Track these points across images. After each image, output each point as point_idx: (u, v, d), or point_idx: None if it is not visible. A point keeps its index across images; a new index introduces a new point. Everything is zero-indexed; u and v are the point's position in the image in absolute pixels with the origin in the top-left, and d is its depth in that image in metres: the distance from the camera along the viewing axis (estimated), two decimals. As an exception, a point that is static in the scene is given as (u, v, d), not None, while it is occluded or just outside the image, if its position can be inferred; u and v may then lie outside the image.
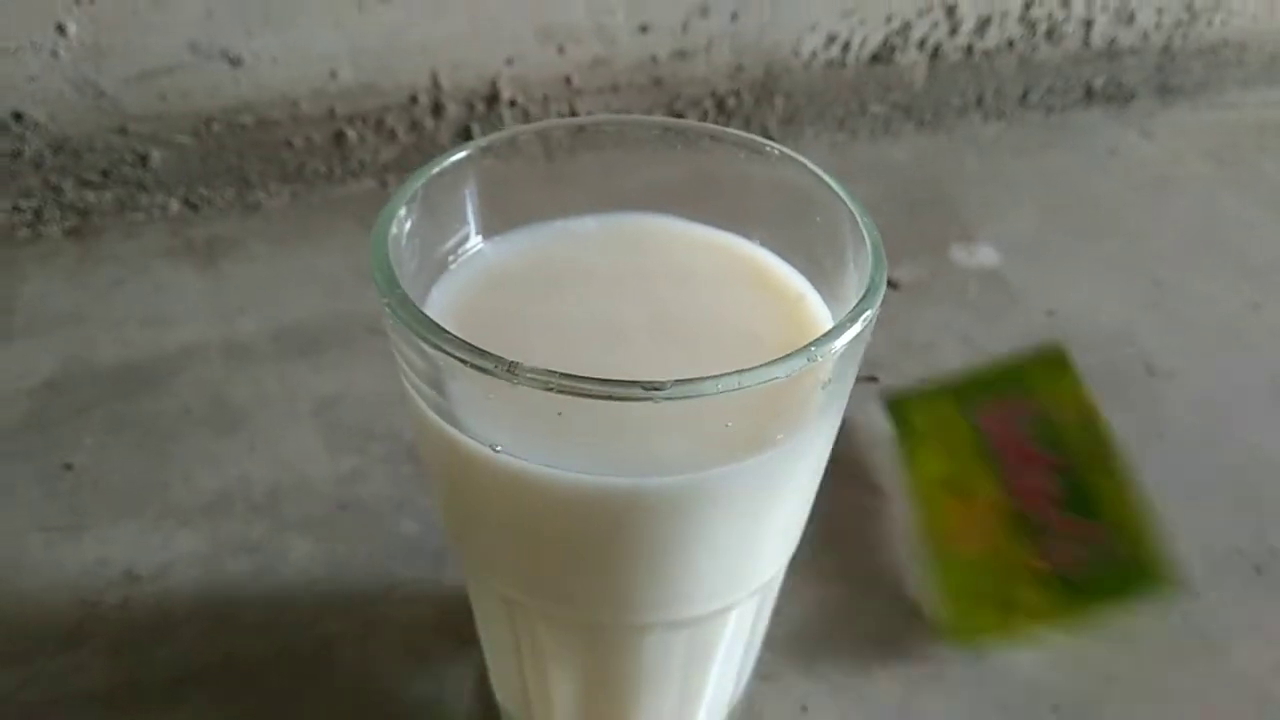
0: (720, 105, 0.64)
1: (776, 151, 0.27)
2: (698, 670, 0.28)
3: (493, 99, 0.58)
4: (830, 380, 0.22)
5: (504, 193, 0.27)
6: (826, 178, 0.26)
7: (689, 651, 0.27)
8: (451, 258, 0.27)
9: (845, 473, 0.42)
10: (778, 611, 0.36)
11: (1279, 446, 0.46)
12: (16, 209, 0.54)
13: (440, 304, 0.26)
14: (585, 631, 0.26)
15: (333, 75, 0.55)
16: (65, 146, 0.53)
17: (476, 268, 0.27)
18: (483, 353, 0.20)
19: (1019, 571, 0.37)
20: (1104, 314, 0.53)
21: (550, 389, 0.19)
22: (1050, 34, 0.68)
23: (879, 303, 0.22)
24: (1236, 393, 0.49)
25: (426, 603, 0.37)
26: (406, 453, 0.43)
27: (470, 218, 0.27)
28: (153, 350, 0.48)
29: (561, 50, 0.58)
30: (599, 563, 0.24)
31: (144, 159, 0.55)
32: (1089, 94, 0.72)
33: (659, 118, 0.28)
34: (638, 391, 0.19)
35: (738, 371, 0.20)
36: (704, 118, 0.64)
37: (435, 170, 0.25)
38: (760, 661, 0.34)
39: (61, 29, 0.50)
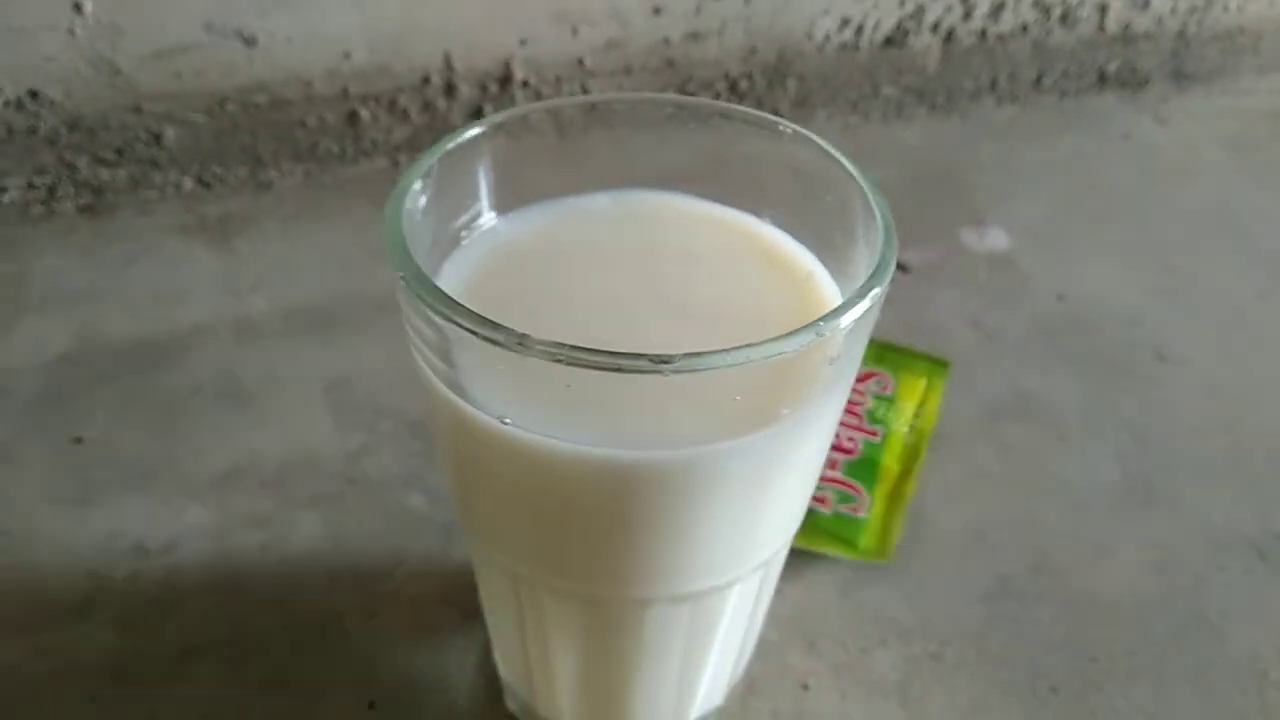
0: (733, 88, 0.64)
1: (789, 130, 0.27)
2: (699, 646, 0.28)
3: (505, 80, 0.58)
4: (838, 356, 0.22)
5: (517, 169, 0.27)
6: (838, 155, 0.26)
7: (691, 627, 0.27)
8: (464, 233, 0.27)
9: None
10: (780, 592, 0.37)
11: (1287, 433, 0.46)
12: (31, 186, 0.54)
13: (453, 278, 0.26)
14: (588, 605, 0.26)
15: (346, 56, 0.55)
16: (80, 124, 0.53)
17: (489, 243, 0.27)
18: (494, 324, 0.20)
19: None
20: (1115, 299, 0.53)
21: (560, 361, 0.20)
22: (1065, 18, 0.68)
23: (888, 280, 0.22)
24: (1245, 380, 0.49)
25: (433, 577, 0.38)
26: (414, 430, 0.43)
27: (483, 194, 0.27)
28: (165, 327, 0.48)
29: (575, 32, 0.58)
30: (604, 536, 0.24)
31: (158, 137, 0.55)
32: (1103, 79, 0.72)
33: (670, 95, 0.28)
34: (646, 364, 0.19)
35: (746, 346, 0.20)
36: (716, 100, 0.63)
37: (449, 146, 0.25)
38: (762, 639, 0.34)
39: (78, 7, 0.50)
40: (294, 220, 0.56)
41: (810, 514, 0.37)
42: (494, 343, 0.20)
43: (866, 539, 0.38)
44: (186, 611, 0.37)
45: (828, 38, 0.63)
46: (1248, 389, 0.48)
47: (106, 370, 0.46)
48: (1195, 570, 0.40)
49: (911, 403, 0.42)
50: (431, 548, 0.39)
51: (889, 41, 0.65)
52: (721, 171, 0.28)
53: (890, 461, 0.40)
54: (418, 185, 0.24)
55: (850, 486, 0.39)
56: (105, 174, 0.55)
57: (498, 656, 0.33)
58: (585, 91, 0.60)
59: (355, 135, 0.58)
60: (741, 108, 0.27)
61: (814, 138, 0.26)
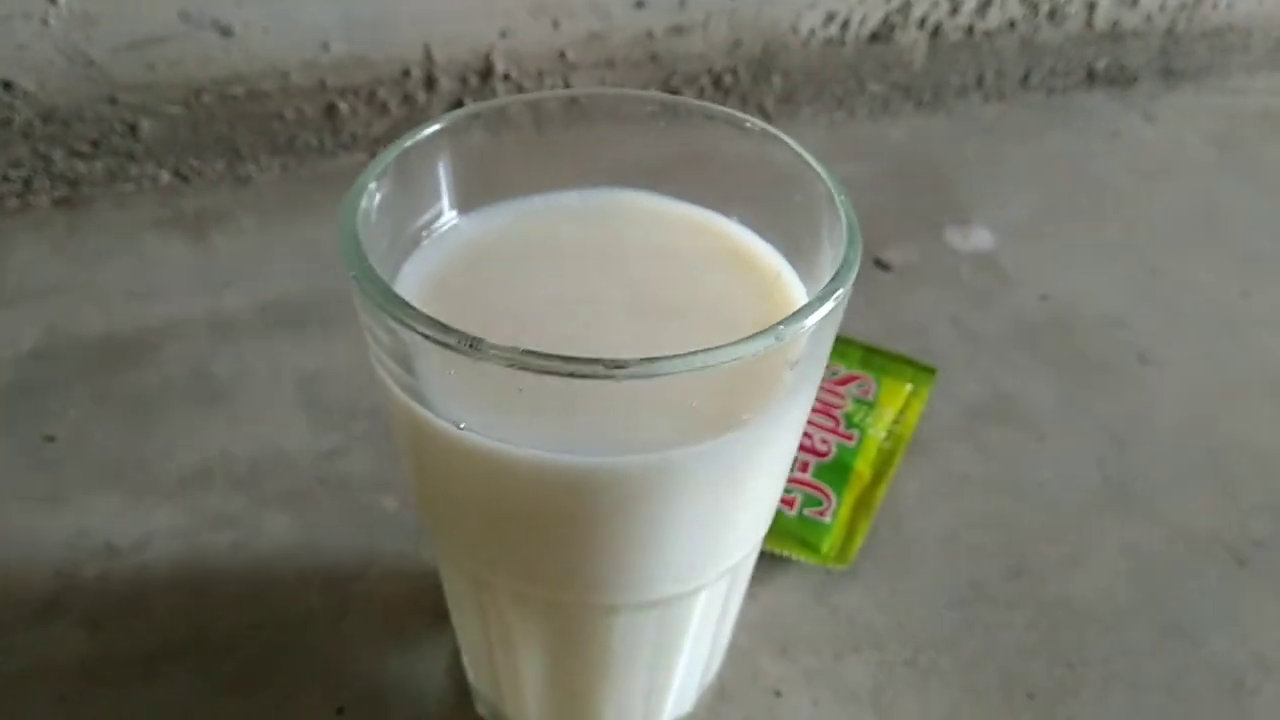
0: (717, 82, 0.63)
1: (757, 128, 0.26)
2: (667, 652, 0.28)
3: (486, 73, 0.58)
4: (799, 360, 0.22)
5: (479, 167, 0.27)
6: (805, 154, 0.25)
7: (658, 633, 0.27)
8: (425, 233, 0.27)
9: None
10: (754, 597, 0.36)
11: (1266, 439, 0.45)
12: (6, 178, 0.54)
13: (412, 279, 0.25)
14: (552, 611, 0.26)
15: (325, 47, 0.55)
16: (55, 116, 0.53)
17: (451, 242, 0.27)
18: (445, 328, 0.20)
19: None
20: (1098, 300, 0.53)
21: (512, 365, 0.19)
22: (1053, 15, 0.67)
23: (851, 282, 0.22)
24: (1226, 384, 0.48)
25: (404, 579, 0.37)
26: (389, 430, 0.42)
27: (444, 192, 0.27)
28: (138, 322, 0.48)
29: (556, 24, 0.58)
30: (564, 542, 0.23)
31: (134, 129, 0.54)
32: (1091, 76, 0.72)
33: (637, 91, 0.28)
34: (600, 369, 0.19)
35: (702, 350, 0.19)
36: (700, 95, 0.63)
37: (408, 144, 0.25)
38: (733, 645, 0.34)
39: (50, -4, 0.49)
40: (271, 214, 0.55)
41: (776, 515, 0.37)
42: (446, 346, 0.20)
43: (829, 544, 0.38)
44: (155, 611, 0.36)
45: (813, 32, 0.63)
46: (1228, 392, 0.48)
47: (78, 366, 0.45)
48: (1173, 576, 0.39)
49: (892, 409, 0.42)
50: (404, 549, 0.38)
51: (875, 37, 0.64)
52: (689, 170, 0.28)
53: (863, 467, 0.40)
54: (373, 185, 0.24)
55: (819, 490, 0.39)
56: (81, 166, 0.55)
57: (466, 661, 0.33)
58: (567, 85, 0.60)
59: (334, 128, 0.57)
60: (706, 103, 0.27)
61: (782, 136, 0.26)
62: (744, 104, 0.64)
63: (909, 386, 0.43)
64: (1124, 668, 0.36)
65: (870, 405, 0.42)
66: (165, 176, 0.56)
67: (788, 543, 0.37)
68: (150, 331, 0.47)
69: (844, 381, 0.43)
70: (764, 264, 0.27)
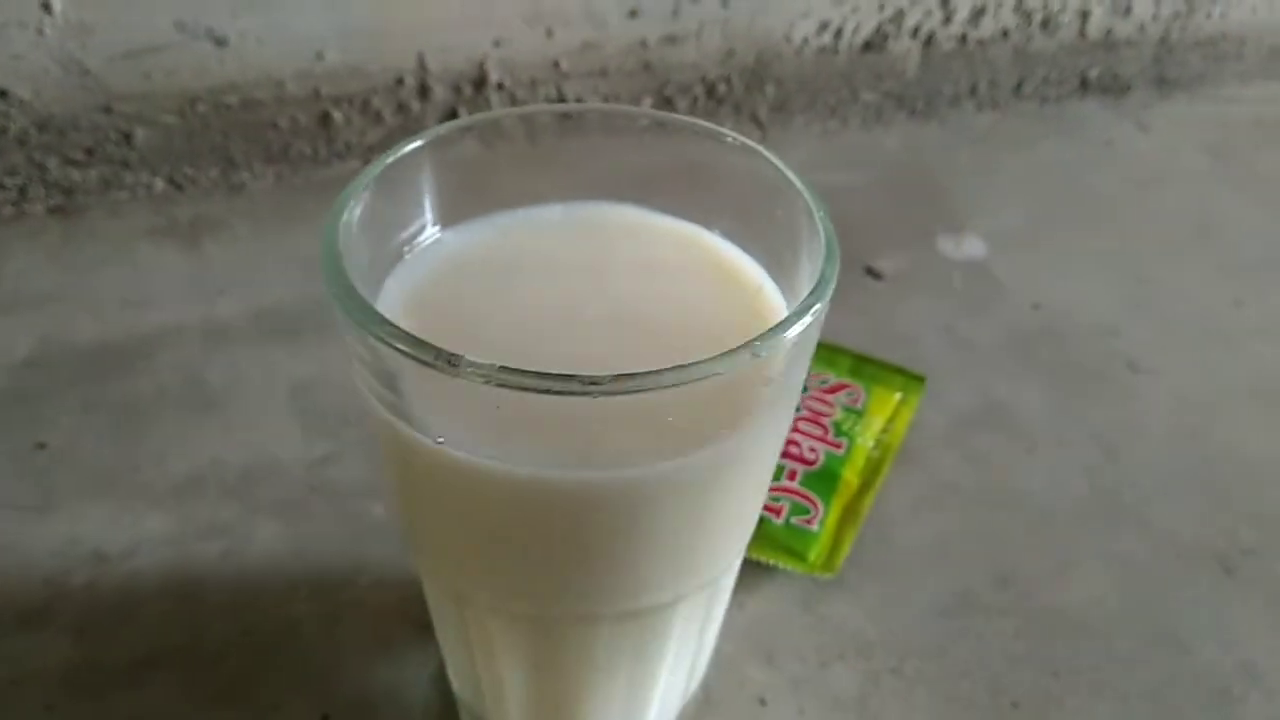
0: (711, 91, 0.63)
1: (737, 142, 0.26)
2: (649, 661, 0.28)
3: (480, 82, 0.58)
4: (777, 375, 0.22)
5: (462, 182, 0.27)
6: (785, 169, 0.25)
7: (639, 643, 0.27)
8: (407, 247, 0.27)
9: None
10: (741, 605, 0.36)
11: (1256, 448, 0.46)
12: (1, 186, 0.54)
13: (394, 293, 0.26)
14: (533, 623, 0.26)
15: (319, 56, 0.55)
16: (50, 124, 0.53)
17: (434, 257, 0.27)
18: (423, 345, 0.20)
19: None
20: (1090, 309, 0.53)
21: (489, 382, 0.19)
22: (1046, 24, 0.67)
23: (829, 297, 0.22)
24: (1216, 393, 0.49)
25: (393, 588, 0.37)
26: (379, 438, 0.43)
27: (427, 207, 0.27)
28: (131, 330, 0.48)
29: (550, 34, 0.58)
30: (544, 556, 0.23)
31: (128, 138, 0.54)
32: (1084, 85, 0.72)
33: (621, 106, 0.28)
34: (575, 386, 0.19)
35: (678, 367, 0.19)
36: (694, 104, 0.63)
37: (390, 160, 0.25)
38: (718, 653, 0.34)
39: (47, 6, 0.50)
40: (265, 223, 0.55)
41: (762, 523, 0.37)
42: (423, 363, 0.20)
43: (816, 552, 0.38)
44: (144, 619, 0.36)
45: (806, 41, 0.63)
46: (1218, 402, 0.48)
47: (71, 374, 0.45)
48: (1161, 585, 0.39)
49: (881, 417, 0.42)
50: (393, 557, 0.38)
51: (868, 46, 0.65)
52: (672, 184, 0.28)
53: (851, 475, 0.40)
54: (354, 200, 0.24)
55: (806, 498, 0.39)
56: (76, 175, 0.55)
57: (450, 672, 0.33)
58: (560, 94, 0.60)
59: (328, 137, 0.58)
60: (689, 118, 0.27)
61: (761, 150, 0.26)
62: (737, 113, 0.64)
63: (898, 395, 0.43)
64: (1111, 676, 0.36)
65: (859, 414, 0.42)
66: (160, 185, 0.56)
67: (774, 551, 0.38)
68: (144, 339, 0.47)
69: (833, 390, 0.43)
70: (746, 278, 0.27)
